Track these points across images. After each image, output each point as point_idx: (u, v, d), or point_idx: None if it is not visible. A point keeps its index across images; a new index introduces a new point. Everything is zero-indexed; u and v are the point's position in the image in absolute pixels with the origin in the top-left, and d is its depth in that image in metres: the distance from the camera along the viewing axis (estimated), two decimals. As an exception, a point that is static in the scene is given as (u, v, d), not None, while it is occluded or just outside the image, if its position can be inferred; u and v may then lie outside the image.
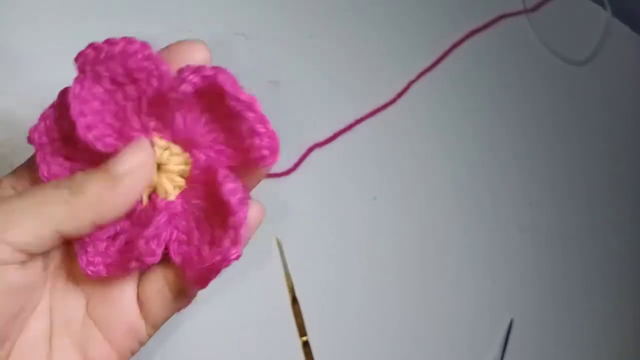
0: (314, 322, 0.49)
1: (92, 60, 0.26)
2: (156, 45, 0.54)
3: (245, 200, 0.27)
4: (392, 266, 0.52)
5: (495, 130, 0.57)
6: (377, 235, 0.52)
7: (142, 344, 0.29)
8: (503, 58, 0.59)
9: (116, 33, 0.51)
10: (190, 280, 0.27)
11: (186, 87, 0.26)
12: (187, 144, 0.28)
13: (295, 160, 0.52)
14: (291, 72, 0.54)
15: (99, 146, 0.26)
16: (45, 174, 0.27)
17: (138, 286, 0.29)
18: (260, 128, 0.26)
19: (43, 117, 0.27)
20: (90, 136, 0.26)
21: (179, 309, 0.29)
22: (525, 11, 0.60)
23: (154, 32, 0.53)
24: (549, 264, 0.54)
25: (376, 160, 0.54)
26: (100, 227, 0.26)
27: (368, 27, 0.57)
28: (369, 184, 0.53)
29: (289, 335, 0.49)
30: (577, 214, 0.56)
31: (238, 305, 0.49)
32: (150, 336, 0.29)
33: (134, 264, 0.27)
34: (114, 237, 0.27)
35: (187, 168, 0.28)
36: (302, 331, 0.49)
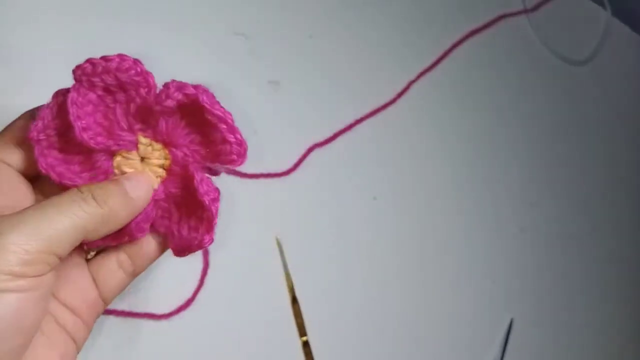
0: (314, 322, 0.49)
1: (89, 73, 0.31)
2: (156, 45, 0.55)
3: (216, 199, 0.33)
4: (392, 266, 0.52)
5: (495, 130, 0.57)
6: (377, 235, 0.52)
7: (99, 315, 0.35)
8: (503, 58, 0.59)
9: (116, 33, 0.52)
10: (172, 249, 0.34)
11: (170, 102, 0.31)
12: (168, 143, 0.33)
13: (295, 160, 0.52)
14: (291, 72, 0.54)
15: (92, 144, 0.31)
16: (44, 165, 0.32)
17: (92, 269, 0.34)
18: (230, 137, 0.32)
19: (41, 117, 0.31)
20: (85, 136, 0.31)
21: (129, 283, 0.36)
22: (525, 11, 0.60)
23: (154, 32, 0.53)
24: (549, 264, 0.55)
25: (376, 160, 0.54)
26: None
27: (368, 27, 0.57)
28: (369, 184, 0.53)
29: (289, 335, 0.49)
30: (577, 214, 0.56)
31: (238, 305, 0.49)
32: (104, 309, 0.35)
33: (127, 238, 0.33)
34: None
35: (166, 162, 0.33)
36: (302, 331, 0.49)
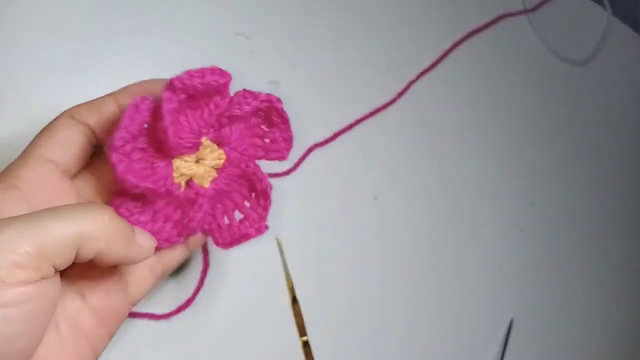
0: (314, 322, 0.49)
1: (186, 83, 0.34)
2: (155, 45, 0.54)
3: (271, 188, 0.39)
4: (391, 266, 0.52)
5: (495, 130, 0.57)
6: (377, 235, 0.52)
7: (123, 322, 0.36)
8: (503, 58, 0.59)
9: (115, 32, 0.52)
10: (221, 243, 0.38)
11: (247, 108, 0.36)
12: (223, 144, 0.37)
13: (295, 160, 0.52)
14: (291, 72, 0.54)
15: (177, 147, 0.34)
16: (122, 171, 0.33)
17: (124, 274, 0.34)
18: (286, 136, 0.39)
19: (123, 125, 0.33)
20: (176, 139, 0.34)
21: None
22: (525, 11, 0.60)
23: (153, 32, 0.53)
24: (549, 264, 0.55)
25: (376, 161, 0.54)
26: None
27: (368, 27, 0.57)
28: (369, 184, 0.53)
29: (289, 335, 0.49)
30: (577, 214, 0.56)
31: (238, 305, 0.49)
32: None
33: (182, 239, 0.36)
34: (153, 217, 0.35)
35: (220, 162, 0.37)
36: (302, 331, 0.49)
